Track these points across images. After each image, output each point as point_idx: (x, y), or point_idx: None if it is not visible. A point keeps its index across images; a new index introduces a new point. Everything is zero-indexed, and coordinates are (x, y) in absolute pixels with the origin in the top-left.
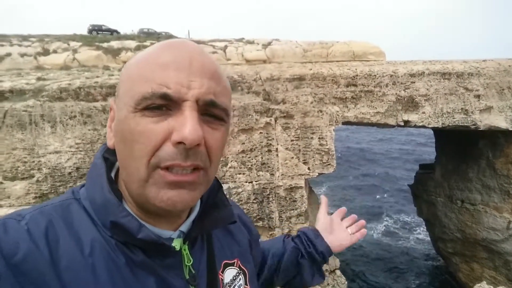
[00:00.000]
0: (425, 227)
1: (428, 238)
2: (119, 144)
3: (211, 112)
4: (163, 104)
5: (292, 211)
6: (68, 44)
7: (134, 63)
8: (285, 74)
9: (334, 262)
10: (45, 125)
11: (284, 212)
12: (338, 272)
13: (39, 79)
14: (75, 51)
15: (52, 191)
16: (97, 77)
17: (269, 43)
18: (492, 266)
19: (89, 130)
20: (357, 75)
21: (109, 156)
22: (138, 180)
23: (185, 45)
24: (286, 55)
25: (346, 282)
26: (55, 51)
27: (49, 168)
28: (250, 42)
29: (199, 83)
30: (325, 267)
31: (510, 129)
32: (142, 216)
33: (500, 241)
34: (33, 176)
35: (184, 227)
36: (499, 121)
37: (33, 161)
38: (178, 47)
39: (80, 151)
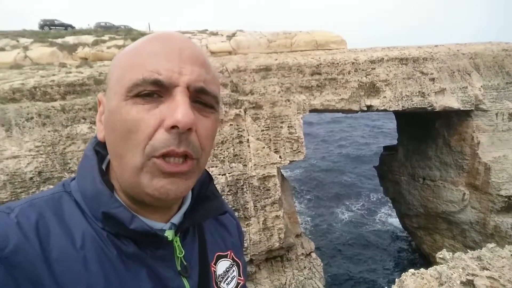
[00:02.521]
0: (391, 205)
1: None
2: (110, 134)
3: (202, 99)
4: (155, 91)
5: (266, 200)
6: (18, 41)
7: (124, 54)
8: (252, 65)
9: (309, 245)
10: None
11: (258, 201)
12: (313, 254)
13: None
14: (26, 48)
15: (13, 198)
16: (53, 75)
17: (234, 34)
18: (451, 235)
19: (49, 131)
20: (320, 64)
21: (100, 150)
22: (132, 168)
23: (174, 36)
24: (251, 46)
25: (322, 264)
26: (2, 49)
27: (7, 175)
28: (214, 34)
29: (190, 70)
30: (300, 250)
31: (462, 108)
32: (133, 208)
33: (457, 212)
34: None
35: (176, 219)
36: (452, 102)
37: None
38: (167, 38)
39: (41, 154)
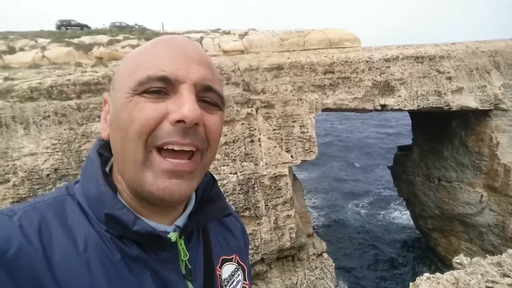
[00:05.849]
0: (405, 206)
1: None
2: (114, 131)
3: (208, 97)
4: (161, 87)
5: (277, 199)
6: (36, 41)
7: (131, 56)
8: (264, 64)
9: (321, 245)
10: (17, 127)
11: (270, 201)
12: (325, 255)
13: (6, 79)
14: (44, 48)
15: (31, 194)
16: (70, 74)
17: (246, 33)
18: (468, 238)
19: (65, 129)
20: (334, 62)
21: (103, 152)
22: (135, 162)
23: (179, 39)
24: (264, 45)
25: (334, 264)
26: (22, 49)
27: (25, 171)
28: (227, 33)
29: (197, 69)
30: (312, 250)
31: (480, 108)
32: (137, 209)
33: (474, 214)
34: (9, 181)
35: (180, 222)
36: (470, 101)
37: (7, 165)
38: (172, 40)
39: (57, 151)
